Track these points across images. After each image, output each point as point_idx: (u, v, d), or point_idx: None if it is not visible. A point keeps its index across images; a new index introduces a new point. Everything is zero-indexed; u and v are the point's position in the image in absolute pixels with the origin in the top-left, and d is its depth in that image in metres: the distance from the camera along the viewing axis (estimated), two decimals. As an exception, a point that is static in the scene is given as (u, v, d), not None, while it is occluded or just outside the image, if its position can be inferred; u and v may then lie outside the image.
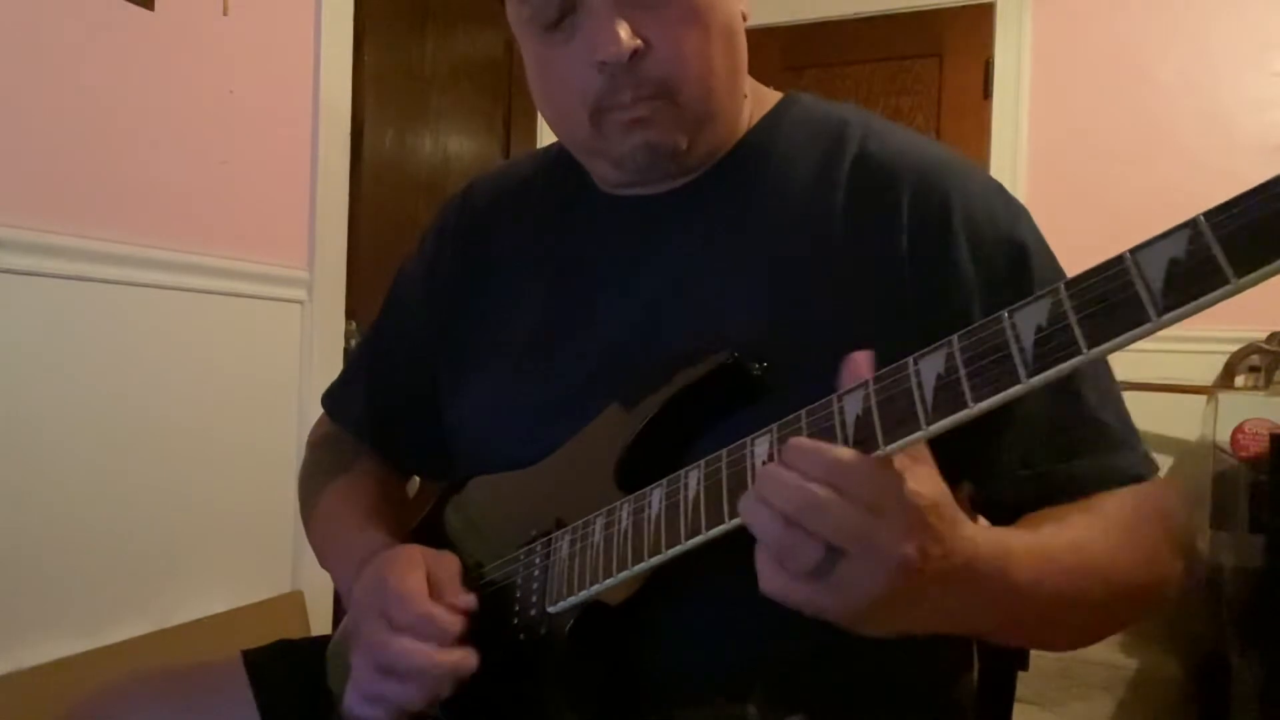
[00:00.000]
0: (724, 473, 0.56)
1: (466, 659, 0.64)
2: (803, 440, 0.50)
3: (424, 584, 0.67)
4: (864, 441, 0.49)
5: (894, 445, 0.48)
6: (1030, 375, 0.44)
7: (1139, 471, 0.69)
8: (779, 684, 0.67)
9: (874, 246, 0.71)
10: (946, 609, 0.54)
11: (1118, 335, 0.42)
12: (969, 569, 0.52)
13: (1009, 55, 2.95)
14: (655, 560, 0.59)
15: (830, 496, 0.48)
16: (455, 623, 0.65)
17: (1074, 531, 0.63)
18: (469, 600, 0.66)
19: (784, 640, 0.68)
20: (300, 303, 2.00)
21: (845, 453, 0.48)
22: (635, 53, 0.68)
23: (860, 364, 0.52)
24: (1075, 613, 0.63)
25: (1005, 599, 0.56)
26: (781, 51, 3.24)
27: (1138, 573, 0.65)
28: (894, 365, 0.50)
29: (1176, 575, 0.68)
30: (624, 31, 0.67)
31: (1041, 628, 0.64)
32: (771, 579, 0.50)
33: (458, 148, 2.59)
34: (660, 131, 0.72)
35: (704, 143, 0.75)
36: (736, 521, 0.54)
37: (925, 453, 0.52)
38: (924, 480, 0.50)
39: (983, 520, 0.71)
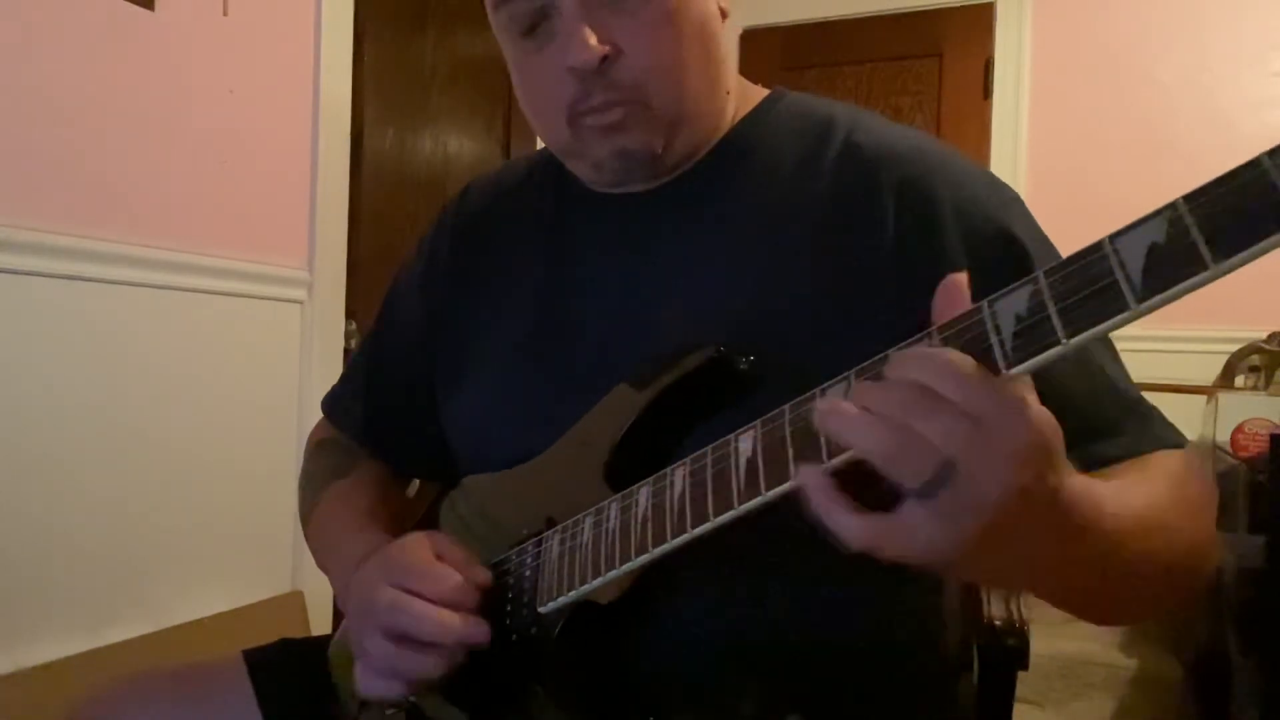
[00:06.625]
0: (709, 470, 0.56)
1: (481, 626, 0.64)
2: (905, 351, 0.47)
3: (435, 559, 0.67)
4: None
5: None
6: (1010, 366, 0.43)
7: (1177, 439, 0.69)
8: (774, 683, 0.67)
9: (859, 237, 0.71)
10: (1040, 553, 0.49)
11: (1097, 324, 0.41)
12: (1069, 511, 0.48)
13: (1009, 55, 2.95)
14: (642, 559, 0.58)
15: (943, 401, 0.44)
16: (475, 591, 0.65)
17: (1144, 487, 0.60)
18: (485, 575, 0.67)
19: (779, 639, 0.68)
20: (300, 303, 2.00)
21: (958, 357, 0.44)
22: (606, 58, 0.69)
23: (956, 291, 0.49)
24: (1148, 570, 0.58)
25: (1094, 548, 0.51)
26: (781, 51, 3.25)
27: (1196, 535, 0.62)
28: (873, 359, 0.49)
29: (1216, 542, 0.66)
30: (593, 38, 0.68)
31: (1108, 591, 0.59)
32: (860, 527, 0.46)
33: (458, 148, 2.59)
34: (634, 137, 0.73)
35: (681, 143, 0.75)
36: (722, 520, 0.54)
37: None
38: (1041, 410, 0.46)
39: None
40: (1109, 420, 0.67)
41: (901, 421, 0.44)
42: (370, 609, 0.67)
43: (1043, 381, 0.45)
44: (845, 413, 0.46)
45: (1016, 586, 0.52)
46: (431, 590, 0.65)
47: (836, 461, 0.48)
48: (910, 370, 0.45)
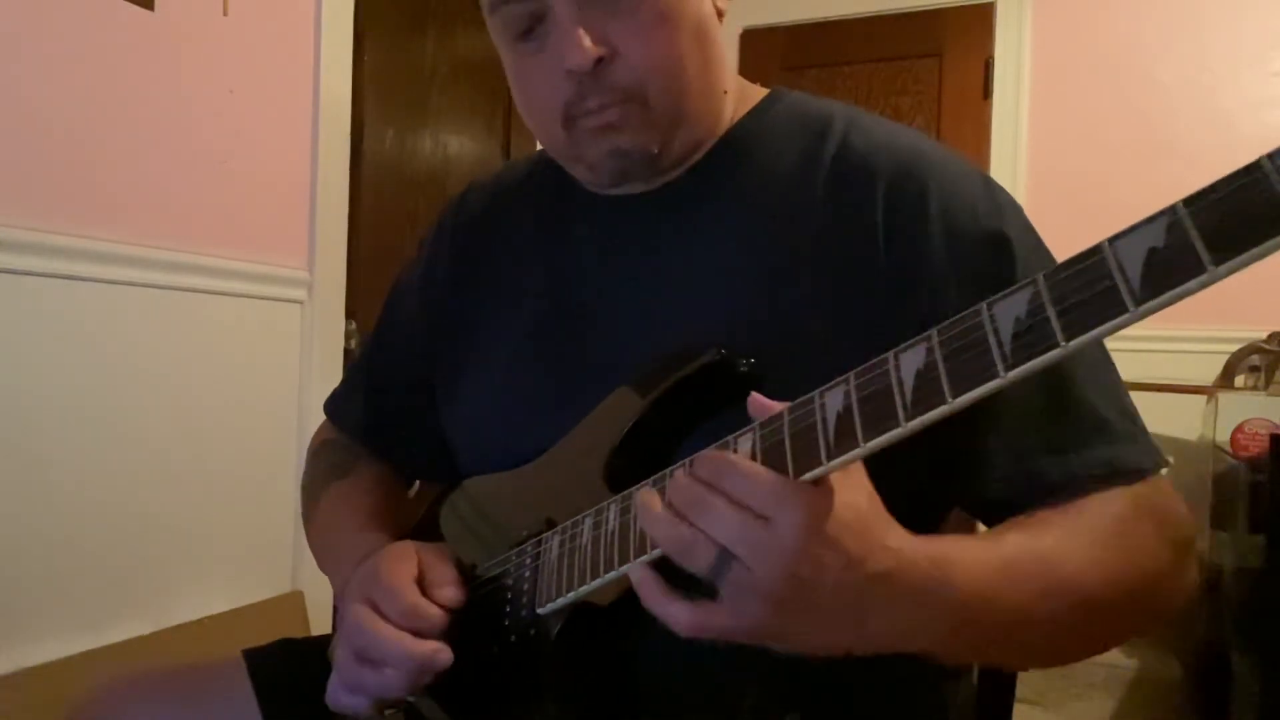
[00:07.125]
0: None
1: (440, 652, 0.64)
2: (707, 451, 0.53)
3: (413, 577, 0.68)
4: (845, 438, 0.49)
5: (873, 443, 0.47)
6: (1009, 369, 0.43)
7: (1139, 465, 0.66)
8: (774, 683, 0.67)
9: (852, 239, 0.70)
10: (877, 623, 0.52)
11: (1096, 327, 0.41)
12: (891, 581, 0.51)
13: (1009, 55, 2.95)
14: (642, 561, 0.58)
15: (718, 498, 0.50)
16: (438, 616, 0.65)
17: (1046, 543, 0.59)
18: (454, 596, 0.67)
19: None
20: (300, 303, 2.01)
21: (740, 460, 0.50)
22: (602, 60, 0.69)
23: (761, 404, 0.54)
24: (1044, 630, 0.59)
25: (950, 615, 0.53)
26: (781, 51, 3.25)
27: (1125, 585, 0.60)
28: (875, 360, 0.49)
29: (1182, 581, 0.65)
30: (587, 40, 0.68)
31: (1005, 647, 0.61)
32: (679, 615, 0.52)
33: (458, 148, 2.59)
34: (630, 137, 0.72)
35: (678, 143, 0.75)
36: None
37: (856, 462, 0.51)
38: (845, 489, 0.50)
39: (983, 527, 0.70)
40: (1062, 439, 0.65)
41: (686, 515, 0.51)
42: (343, 621, 0.68)
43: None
44: (651, 508, 0.53)
45: (875, 649, 0.54)
46: (392, 612, 0.65)
47: (655, 553, 0.54)
48: (700, 471, 0.51)
